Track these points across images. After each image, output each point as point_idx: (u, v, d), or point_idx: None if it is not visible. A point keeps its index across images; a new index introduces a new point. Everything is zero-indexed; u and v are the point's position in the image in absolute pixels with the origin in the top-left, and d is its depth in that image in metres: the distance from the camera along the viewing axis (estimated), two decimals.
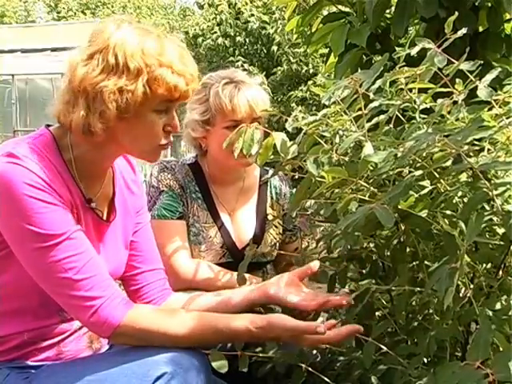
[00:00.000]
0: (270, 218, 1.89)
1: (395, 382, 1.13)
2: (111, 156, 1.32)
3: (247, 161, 1.73)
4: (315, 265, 1.34)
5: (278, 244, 1.90)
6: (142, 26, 1.25)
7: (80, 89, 1.19)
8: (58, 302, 1.20)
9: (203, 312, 1.31)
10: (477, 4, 1.96)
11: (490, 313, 0.97)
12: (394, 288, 1.18)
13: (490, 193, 0.95)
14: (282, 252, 1.82)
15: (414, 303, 1.23)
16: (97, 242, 1.30)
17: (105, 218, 1.34)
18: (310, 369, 1.27)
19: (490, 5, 1.96)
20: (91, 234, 1.28)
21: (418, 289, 1.14)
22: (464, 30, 1.17)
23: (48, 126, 1.29)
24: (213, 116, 1.74)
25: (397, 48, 1.92)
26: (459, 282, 1.01)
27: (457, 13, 1.20)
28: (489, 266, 1.12)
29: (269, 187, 1.93)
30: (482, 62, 1.13)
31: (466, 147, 0.97)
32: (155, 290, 1.42)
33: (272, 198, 1.93)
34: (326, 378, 1.25)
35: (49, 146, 1.23)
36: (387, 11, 2.08)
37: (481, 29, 2.02)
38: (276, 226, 1.90)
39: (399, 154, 1.04)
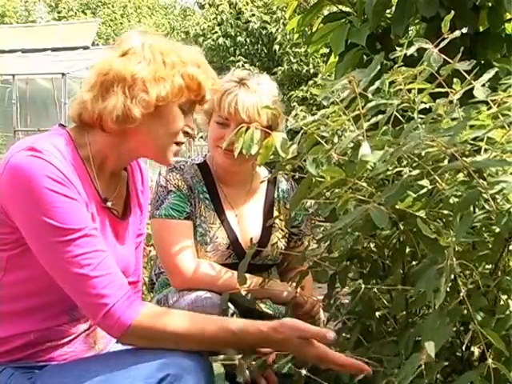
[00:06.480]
0: (276, 220, 1.88)
1: None
2: (126, 156, 1.33)
3: (232, 159, 1.65)
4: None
5: (283, 247, 1.90)
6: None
7: (117, 78, 1.22)
8: (72, 297, 1.19)
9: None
10: (477, 4, 1.96)
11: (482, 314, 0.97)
12: (383, 287, 1.18)
13: (484, 191, 0.94)
14: (285, 253, 1.83)
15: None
16: (113, 240, 1.31)
17: (120, 216, 1.35)
18: (309, 374, 1.27)
19: (490, 4, 1.97)
20: (107, 233, 1.29)
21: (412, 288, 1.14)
22: (463, 30, 1.18)
23: (62, 125, 1.30)
24: (209, 107, 1.76)
25: (397, 48, 1.93)
26: (459, 282, 1.01)
27: (454, 12, 1.20)
28: (486, 265, 1.12)
29: (276, 190, 1.93)
30: (480, 61, 1.13)
31: (461, 146, 0.97)
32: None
33: (279, 201, 1.92)
34: (325, 379, 1.25)
35: (67, 143, 1.24)
36: (387, 11, 2.09)
37: (481, 29, 2.03)
38: (282, 230, 1.89)
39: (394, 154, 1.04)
